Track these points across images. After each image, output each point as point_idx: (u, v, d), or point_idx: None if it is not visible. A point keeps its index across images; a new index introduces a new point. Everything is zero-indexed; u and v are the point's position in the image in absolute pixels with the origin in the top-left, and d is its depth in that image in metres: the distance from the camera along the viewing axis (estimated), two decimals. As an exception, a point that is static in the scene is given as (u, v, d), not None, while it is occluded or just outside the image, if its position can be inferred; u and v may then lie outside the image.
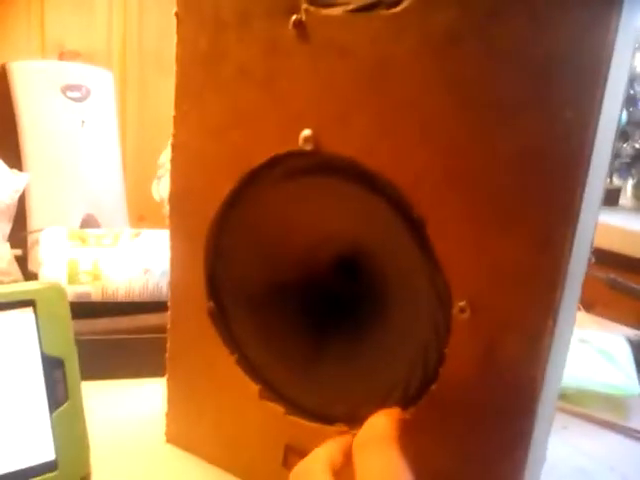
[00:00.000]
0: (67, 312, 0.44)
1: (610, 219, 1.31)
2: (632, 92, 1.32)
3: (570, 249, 0.31)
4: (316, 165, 0.38)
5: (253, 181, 0.40)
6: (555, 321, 0.31)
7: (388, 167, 0.35)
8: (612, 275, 0.84)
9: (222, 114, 0.41)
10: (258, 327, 0.43)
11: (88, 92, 0.80)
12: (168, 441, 0.49)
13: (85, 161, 0.81)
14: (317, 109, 0.37)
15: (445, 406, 0.35)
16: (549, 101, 0.30)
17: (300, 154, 0.38)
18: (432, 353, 0.36)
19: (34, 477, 0.41)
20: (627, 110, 1.32)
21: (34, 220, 0.76)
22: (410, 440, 0.37)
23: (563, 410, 0.60)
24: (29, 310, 0.43)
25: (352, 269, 0.42)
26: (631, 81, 1.34)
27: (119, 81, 0.97)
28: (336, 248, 0.42)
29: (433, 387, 0.36)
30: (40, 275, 0.62)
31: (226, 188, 0.41)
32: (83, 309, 0.62)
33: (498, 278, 0.32)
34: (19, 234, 0.70)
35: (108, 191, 0.83)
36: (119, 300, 0.64)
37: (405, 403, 0.37)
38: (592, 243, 0.39)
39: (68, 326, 0.44)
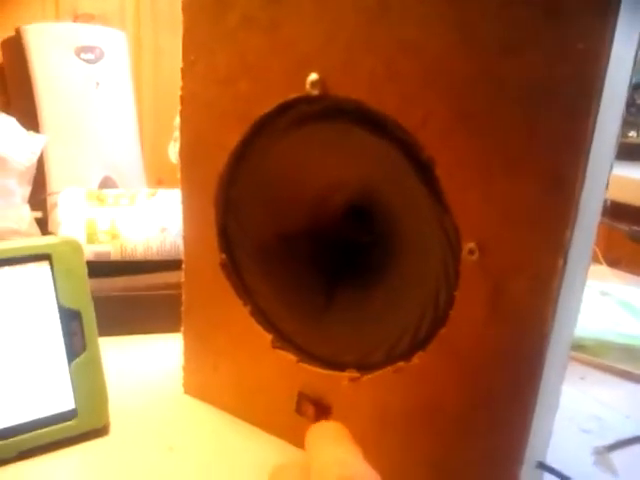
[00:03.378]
0: (83, 266, 0.45)
1: (636, 173, 1.28)
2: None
3: (581, 188, 0.30)
4: (324, 110, 0.38)
5: (262, 130, 0.40)
6: (565, 261, 0.31)
7: (396, 109, 0.34)
8: (635, 228, 0.82)
9: (229, 63, 0.40)
10: (270, 278, 0.43)
11: (102, 53, 0.80)
12: (186, 392, 0.50)
13: (101, 123, 0.81)
14: (323, 53, 0.36)
15: (454, 350, 0.35)
16: (559, 33, 0.29)
17: (308, 100, 0.38)
18: (442, 297, 0.36)
19: (54, 424, 0.42)
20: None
21: (53, 182, 0.77)
22: (420, 384, 0.37)
23: (581, 361, 0.60)
24: (45, 264, 0.43)
25: (363, 216, 0.41)
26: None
27: (134, 43, 0.97)
28: (347, 195, 0.42)
29: (442, 331, 0.36)
30: (58, 235, 0.63)
31: (235, 138, 0.41)
32: (102, 268, 0.63)
33: (507, 219, 0.32)
34: (39, 196, 0.71)
35: (125, 153, 0.83)
36: (137, 259, 0.64)
37: (414, 348, 0.37)
38: (606, 186, 0.38)
39: (84, 279, 0.45)
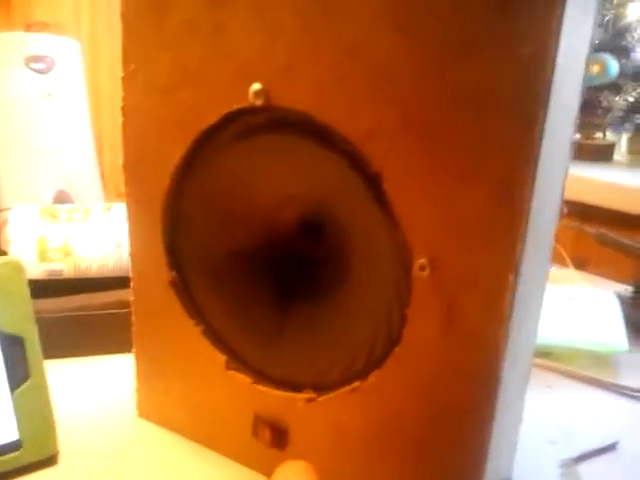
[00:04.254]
0: (25, 289, 0.43)
1: (604, 175, 1.29)
2: (624, 43, 1.28)
3: (530, 198, 0.29)
4: (269, 122, 0.36)
5: (206, 143, 0.39)
6: (516, 276, 0.30)
7: (341, 120, 0.33)
8: (602, 230, 0.82)
9: (170, 72, 0.38)
10: (222, 296, 0.42)
11: (53, 63, 0.78)
12: (140, 415, 0.48)
13: (54, 135, 0.79)
14: (266, 61, 0.35)
15: (409, 367, 0.34)
16: (504, 36, 0.28)
17: (252, 111, 0.36)
18: (395, 315, 0.34)
19: (-3, 457, 0.40)
20: (619, 62, 1.28)
21: (5, 198, 0.74)
22: (377, 403, 0.36)
23: (548, 368, 0.59)
24: (-16, 287, 0.41)
25: (316, 232, 0.40)
26: (623, 32, 1.30)
27: (90, 52, 0.94)
28: (298, 210, 0.40)
29: (396, 349, 0.34)
30: (9, 254, 0.61)
31: (179, 152, 0.39)
32: (55, 286, 0.61)
33: (457, 233, 0.31)
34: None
35: (80, 166, 0.81)
36: (92, 276, 0.62)
37: (370, 366, 0.36)
38: (562, 195, 0.37)
39: (26, 302, 0.43)
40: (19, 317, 0.42)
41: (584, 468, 0.45)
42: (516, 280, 0.30)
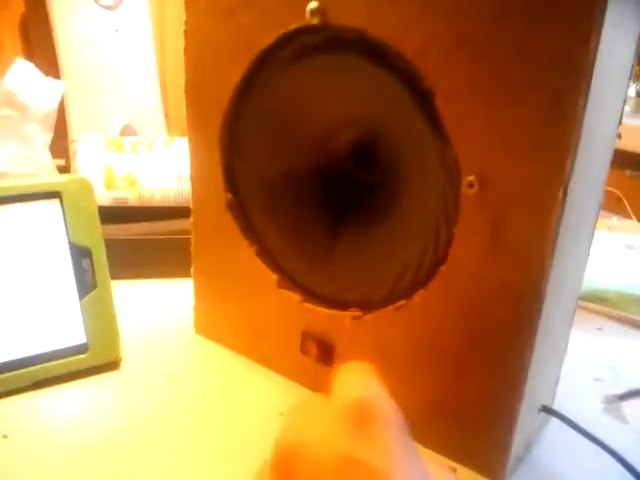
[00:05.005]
0: (93, 204, 0.45)
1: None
2: None
3: (582, 116, 0.29)
4: (325, 40, 0.37)
5: (264, 64, 0.39)
6: (565, 194, 0.30)
7: (395, 36, 0.33)
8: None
9: (230, -6, 0.39)
10: (275, 217, 0.43)
11: (120, 0, 0.80)
12: (197, 332, 0.51)
13: (120, 71, 0.81)
14: (322, -20, 0.35)
15: (454, 286, 0.35)
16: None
17: (309, 30, 0.37)
18: (443, 233, 0.35)
19: (66, 357, 0.43)
20: None
21: (74, 130, 0.77)
22: (422, 321, 0.37)
23: (601, 313, 0.59)
24: (56, 201, 0.44)
25: (367, 154, 0.41)
26: None
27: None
28: (351, 132, 0.41)
29: (442, 268, 0.35)
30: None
31: (238, 73, 0.40)
32: (121, 213, 0.64)
33: (506, 149, 0.31)
34: (61, 144, 0.72)
35: (145, 101, 0.83)
36: (155, 205, 0.65)
37: (416, 285, 0.37)
38: (619, 122, 0.36)
39: (94, 217, 0.45)
40: (88, 231, 0.45)
41: (627, 405, 0.45)
42: (564, 198, 0.30)
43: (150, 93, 0.85)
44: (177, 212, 0.66)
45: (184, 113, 0.45)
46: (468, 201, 0.33)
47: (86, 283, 0.45)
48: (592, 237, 0.40)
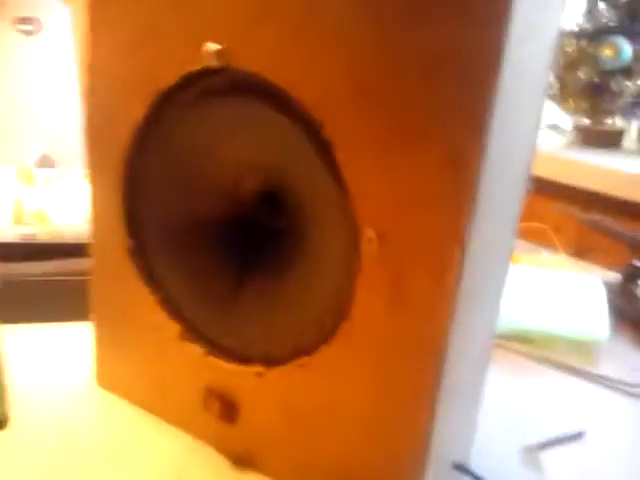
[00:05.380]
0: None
1: (611, 162, 1.26)
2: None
3: (479, 170, 0.27)
4: (227, 84, 0.35)
5: (166, 104, 0.37)
6: (464, 251, 0.28)
7: (295, 82, 0.32)
8: (597, 217, 0.80)
9: (132, 30, 0.37)
10: (179, 265, 0.41)
11: (40, 25, 0.76)
12: (99, 384, 0.47)
13: (39, 98, 0.77)
14: (226, 21, 0.33)
15: (356, 343, 0.33)
16: None
17: (211, 72, 0.35)
18: (345, 289, 0.33)
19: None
20: (633, 46, 1.24)
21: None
22: (325, 379, 0.35)
23: (525, 354, 0.58)
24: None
25: (274, 201, 0.39)
26: (638, 15, 1.26)
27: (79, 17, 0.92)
28: (257, 179, 0.39)
29: (345, 324, 0.33)
30: (-16, 216, 0.60)
31: (139, 112, 0.38)
32: (31, 251, 0.60)
33: (405, 204, 0.29)
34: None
35: (66, 131, 0.79)
36: (66, 241, 0.61)
37: (319, 341, 0.35)
38: (529, 171, 0.35)
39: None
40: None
41: (547, 456, 0.44)
42: (463, 255, 0.28)
43: (71, 123, 0.81)
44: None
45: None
46: (368, 257, 0.31)
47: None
48: (505, 276, 0.38)
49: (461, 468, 0.38)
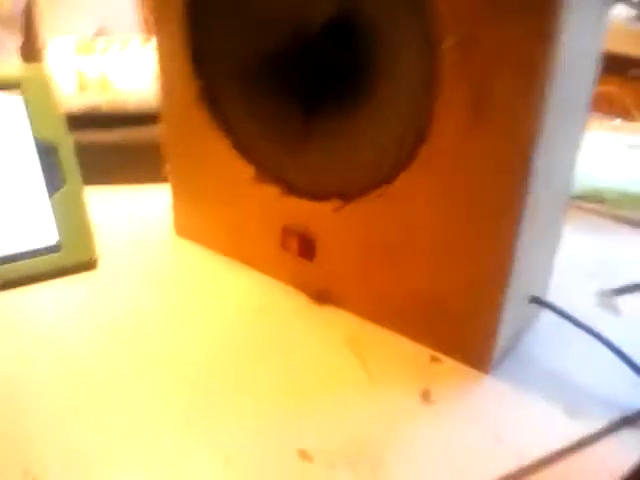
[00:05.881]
0: (53, 98, 0.42)
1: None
2: None
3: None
4: None
5: None
6: (551, 58, 0.27)
7: None
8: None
9: None
10: (248, 106, 0.40)
11: None
12: (177, 233, 0.49)
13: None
14: None
15: (436, 165, 0.32)
16: None
17: None
18: (423, 111, 0.32)
19: (38, 256, 0.42)
20: None
21: (45, 33, 0.73)
22: (404, 206, 0.34)
23: (600, 213, 0.56)
24: (16, 93, 0.41)
25: (343, 34, 0.37)
26: None
27: None
28: (323, 8, 0.37)
29: (423, 147, 0.32)
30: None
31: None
32: (95, 120, 0.61)
33: (488, 5, 0.27)
34: (32, 47, 0.68)
35: (120, 2, 0.78)
36: (130, 109, 0.62)
37: (396, 170, 0.34)
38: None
39: (57, 112, 0.43)
40: (52, 126, 0.42)
41: (622, 300, 0.44)
42: (551, 61, 0.27)
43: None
44: (154, 118, 0.63)
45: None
46: (449, 68, 0.30)
47: (54, 180, 0.42)
48: (585, 119, 0.37)
49: (539, 301, 0.38)
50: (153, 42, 0.62)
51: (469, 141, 0.31)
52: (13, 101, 0.41)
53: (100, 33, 0.74)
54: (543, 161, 0.30)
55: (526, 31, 0.27)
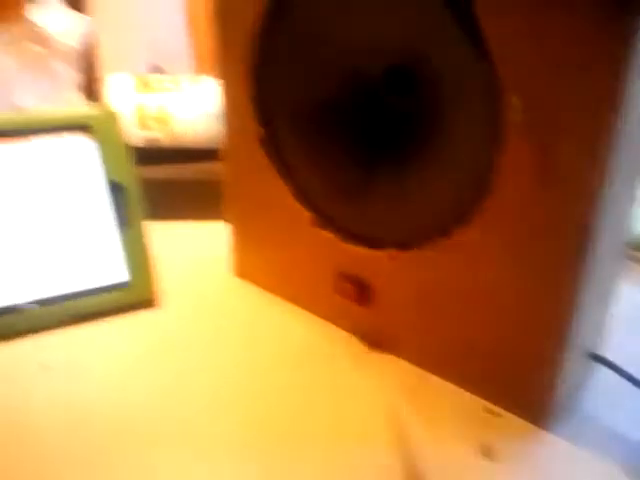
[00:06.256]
0: (122, 138, 0.44)
1: None
2: None
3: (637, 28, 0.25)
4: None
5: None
6: (618, 118, 0.27)
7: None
8: None
9: None
10: (309, 153, 0.41)
11: None
12: (235, 274, 0.50)
13: (148, 7, 0.78)
14: None
15: (497, 221, 0.33)
16: None
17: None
18: (485, 165, 0.32)
19: (105, 293, 0.43)
20: None
21: (103, 69, 0.75)
22: (463, 259, 0.35)
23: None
24: (86, 134, 0.43)
25: (404, 79, 0.38)
26: None
27: None
28: (386, 57, 0.38)
29: (485, 202, 0.33)
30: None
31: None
32: (153, 155, 0.63)
33: (554, 67, 0.28)
34: (91, 84, 0.70)
35: (173, 39, 0.81)
36: (186, 145, 0.64)
37: (456, 222, 0.35)
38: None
39: (126, 151, 0.44)
40: (120, 165, 0.44)
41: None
42: (618, 121, 0.27)
43: (177, 31, 0.82)
44: (207, 153, 0.64)
45: (212, 45, 0.43)
46: (513, 126, 0.30)
47: (122, 218, 0.44)
48: None
49: (597, 357, 0.38)
50: (206, 82, 0.64)
51: (532, 198, 0.31)
52: (84, 141, 0.43)
53: (154, 69, 0.77)
54: (605, 217, 0.31)
55: (590, 95, 0.27)
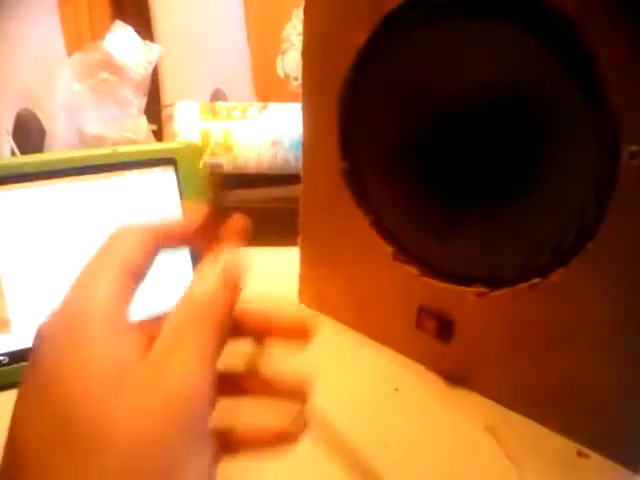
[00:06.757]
0: (204, 171, 0.45)
1: None
2: None
3: None
4: (461, 2, 0.34)
5: (390, 27, 0.37)
6: None
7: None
8: None
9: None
10: (393, 188, 0.42)
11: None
12: (301, 302, 0.50)
13: (211, 34, 0.80)
14: None
15: (601, 265, 0.32)
16: None
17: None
18: (591, 208, 0.32)
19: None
20: None
21: (167, 95, 0.77)
22: (559, 302, 0.35)
23: None
24: (170, 168, 0.44)
25: (501, 122, 0.38)
26: None
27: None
28: (484, 100, 0.38)
29: (589, 245, 0.33)
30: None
31: (363, 36, 0.38)
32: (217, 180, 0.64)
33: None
34: (154, 108, 0.72)
35: (235, 66, 0.82)
36: (249, 172, 0.65)
37: (554, 263, 0.34)
38: None
39: (205, 183, 0.45)
40: (199, 197, 0.44)
41: None
42: None
43: (239, 57, 0.84)
44: (270, 180, 0.65)
45: (299, 78, 0.43)
46: (628, 173, 0.30)
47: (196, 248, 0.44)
48: None
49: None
50: (271, 110, 0.65)
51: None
52: (167, 176, 0.43)
53: (215, 96, 0.78)
54: None
55: None
